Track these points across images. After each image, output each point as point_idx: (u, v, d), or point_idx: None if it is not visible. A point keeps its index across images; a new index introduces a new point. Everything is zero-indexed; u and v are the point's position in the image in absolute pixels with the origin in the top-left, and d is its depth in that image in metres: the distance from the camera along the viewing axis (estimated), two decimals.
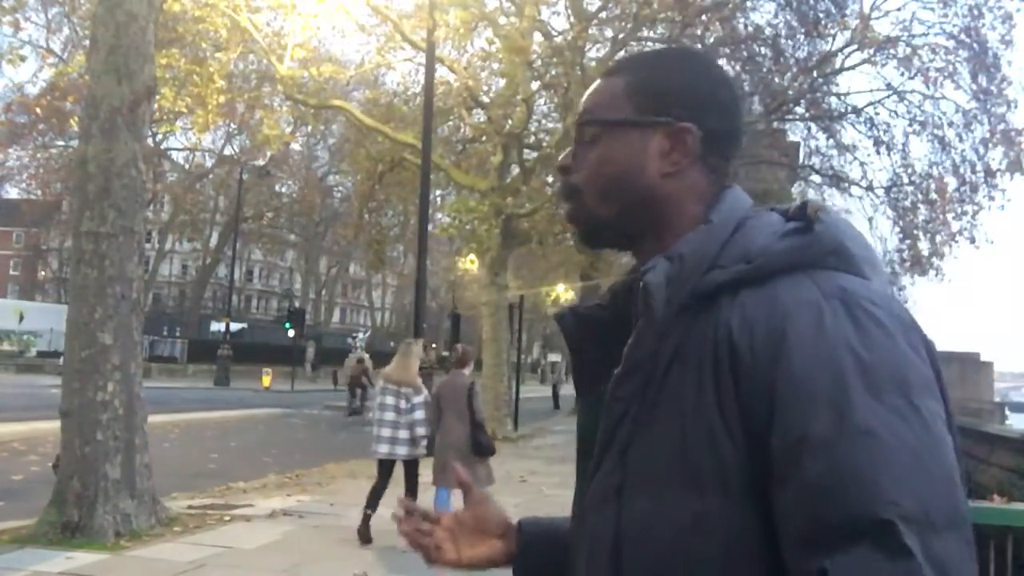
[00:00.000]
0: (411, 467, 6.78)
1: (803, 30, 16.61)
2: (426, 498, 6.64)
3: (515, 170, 17.30)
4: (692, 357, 0.84)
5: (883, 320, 0.80)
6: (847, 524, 0.73)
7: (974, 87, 17.21)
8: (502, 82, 16.96)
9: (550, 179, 18.80)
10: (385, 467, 6.81)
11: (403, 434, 6.64)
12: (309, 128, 27.72)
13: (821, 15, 16.62)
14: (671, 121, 0.94)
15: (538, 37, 16.53)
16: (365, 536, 6.52)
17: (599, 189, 0.96)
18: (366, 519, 6.61)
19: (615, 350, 0.97)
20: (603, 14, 16.31)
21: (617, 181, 0.95)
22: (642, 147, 0.95)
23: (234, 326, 42.45)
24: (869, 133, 18.46)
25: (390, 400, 6.71)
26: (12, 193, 47.10)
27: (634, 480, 0.85)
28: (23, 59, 13.43)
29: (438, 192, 20.91)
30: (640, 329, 0.88)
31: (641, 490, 0.84)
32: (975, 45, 16.91)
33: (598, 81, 1.02)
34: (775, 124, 18.52)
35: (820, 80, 17.78)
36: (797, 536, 0.75)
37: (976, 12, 16.88)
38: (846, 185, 19.64)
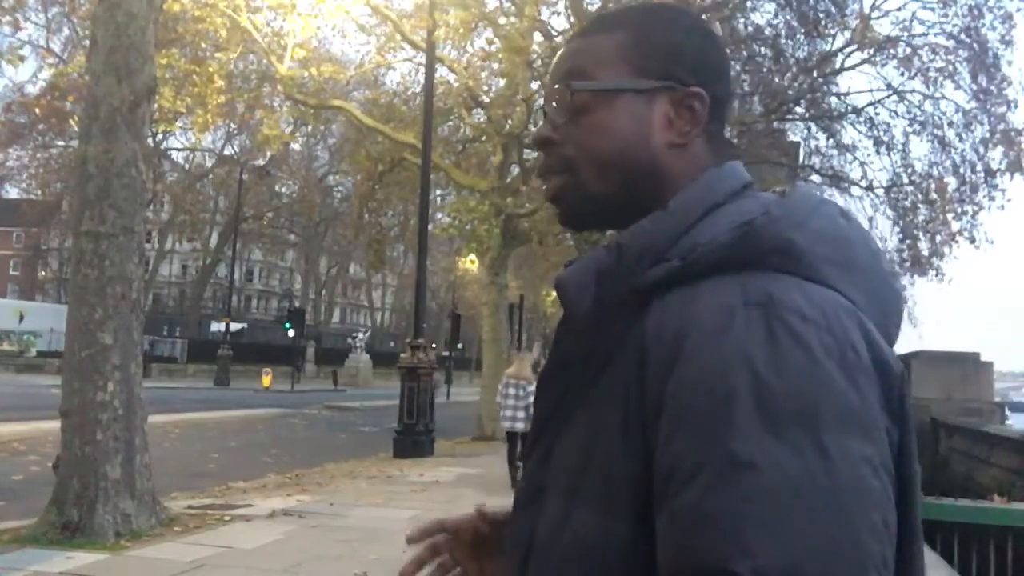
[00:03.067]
0: (524, 437, 7.52)
1: (803, 30, 16.61)
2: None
3: (515, 170, 17.30)
4: (616, 359, 0.75)
5: (808, 339, 0.67)
6: (695, 571, 0.63)
7: (974, 87, 17.21)
8: (502, 82, 16.96)
9: None
10: (512, 437, 9.67)
11: (521, 414, 9.34)
12: (309, 128, 27.76)
13: (821, 15, 16.62)
14: (675, 86, 0.84)
15: (538, 37, 16.53)
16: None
17: (597, 163, 0.84)
18: (514, 474, 9.06)
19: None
20: None
21: (619, 154, 0.84)
22: (646, 115, 0.84)
23: (234, 326, 42.50)
24: (869, 133, 18.48)
25: (511, 391, 9.59)
26: (12, 193, 47.23)
27: (553, 484, 0.78)
28: (22, 59, 13.41)
29: (438, 192, 20.93)
30: (558, 327, 0.82)
31: (559, 496, 0.77)
32: (975, 45, 16.90)
33: (579, 38, 0.89)
34: (775, 124, 18.51)
35: (820, 80, 17.78)
36: (664, 571, 0.67)
37: (976, 12, 16.88)
38: (846, 185, 19.63)
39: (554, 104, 0.87)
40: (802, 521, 0.61)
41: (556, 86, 0.87)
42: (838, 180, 19.69)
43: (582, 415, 0.77)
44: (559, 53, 0.90)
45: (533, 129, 17.13)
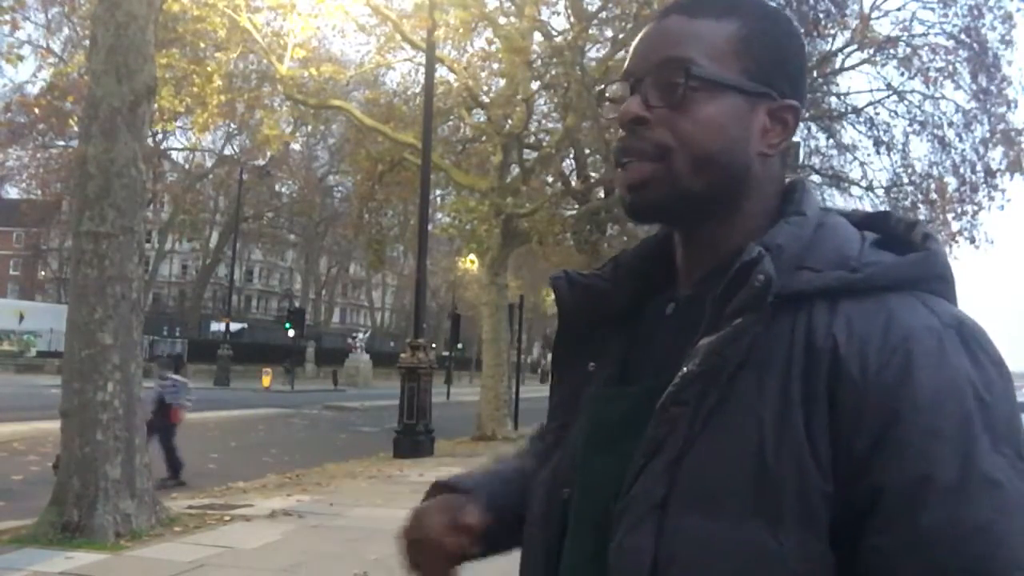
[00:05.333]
0: None
1: (803, 30, 16.61)
2: None
3: (515, 170, 17.30)
4: (773, 362, 0.74)
5: (999, 361, 0.73)
6: None
7: (974, 87, 17.21)
8: (502, 82, 16.95)
9: (550, 179, 18.82)
10: None
11: None
12: (309, 128, 27.76)
13: (821, 15, 16.61)
14: (775, 96, 0.82)
15: (538, 37, 16.53)
16: None
17: (698, 158, 0.81)
18: None
19: (606, 326, 0.89)
20: (603, 14, 16.31)
21: (720, 154, 0.81)
22: (748, 118, 0.82)
23: (234, 326, 42.53)
24: (869, 133, 18.49)
25: None
26: (12, 193, 47.21)
27: (686, 496, 0.73)
28: (21, 59, 13.41)
29: (438, 192, 20.90)
30: (742, 326, 0.75)
31: (695, 508, 0.72)
32: (975, 45, 16.91)
33: (684, 18, 0.83)
34: None
35: (820, 80, 17.77)
36: None
37: (976, 12, 16.89)
38: (846, 185, 19.65)
39: (654, 82, 0.82)
40: None
41: (663, 63, 0.82)
42: (838, 180, 19.70)
43: (730, 418, 0.73)
44: (656, 27, 0.85)
45: (533, 129, 17.14)
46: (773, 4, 0.90)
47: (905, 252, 0.79)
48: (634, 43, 0.87)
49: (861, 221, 0.84)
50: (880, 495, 0.69)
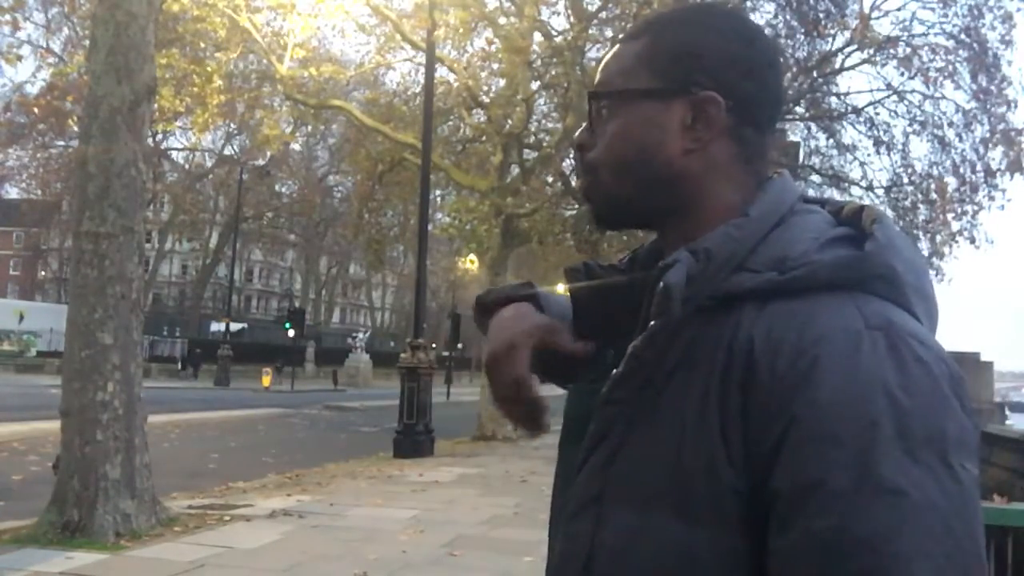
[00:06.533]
0: None
1: (803, 30, 16.61)
2: None
3: (515, 170, 17.29)
4: (701, 364, 0.75)
5: (931, 365, 0.70)
6: None
7: (974, 87, 17.22)
8: (502, 82, 16.95)
9: (550, 179, 18.80)
10: None
11: None
12: (309, 128, 27.78)
13: (821, 15, 16.62)
14: (691, 90, 0.83)
15: (538, 37, 16.52)
16: None
17: (615, 166, 0.86)
18: None
19: (622, 319, 0.87)
20: (603, 14, 16.30)
21: (633, 158, 0.85)
22: (661, 120, 0.84)
23: (234, 326, 42.51)
24: (869, 133, 18.50)
25: None
26: (12, 193, 47.19)
27: (617, 491, 0.76)
28: (20, 58, 13.43)
29: (438, 192, 20.92)
30: (654, 330, 0.77)
31: (624, 503, 0.75)
32: (975, 45, 16.91)
33: (611, 50, 0.91)
34: (775, 124, 18.52)
35: (820, 80, 17.79)
36: None
37: (976, 12, 16.90)
38: (846, 185, 19.64)
39: (589, 111, 0.90)
40: (948, 544, 0.65)
41: (595, 88, 0.90)
42: (838, 180, 19.70)
43: (659, 417, 0.76)
44: (603, 61, 0.93)
45: (533, 129, 17.18)
46: (720, 4, 0.94)
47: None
48: None
49: (846, 216, 0.83)
50: (776, 498, 0.69)
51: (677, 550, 0.72)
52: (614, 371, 0.79)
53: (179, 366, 38.50)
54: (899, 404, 0.67)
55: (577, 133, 0.91)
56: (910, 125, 18.09)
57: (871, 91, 18.85)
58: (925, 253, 18.70)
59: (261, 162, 38.77)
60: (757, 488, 0.70)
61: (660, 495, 0.73)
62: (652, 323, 0.76)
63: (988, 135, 17.65)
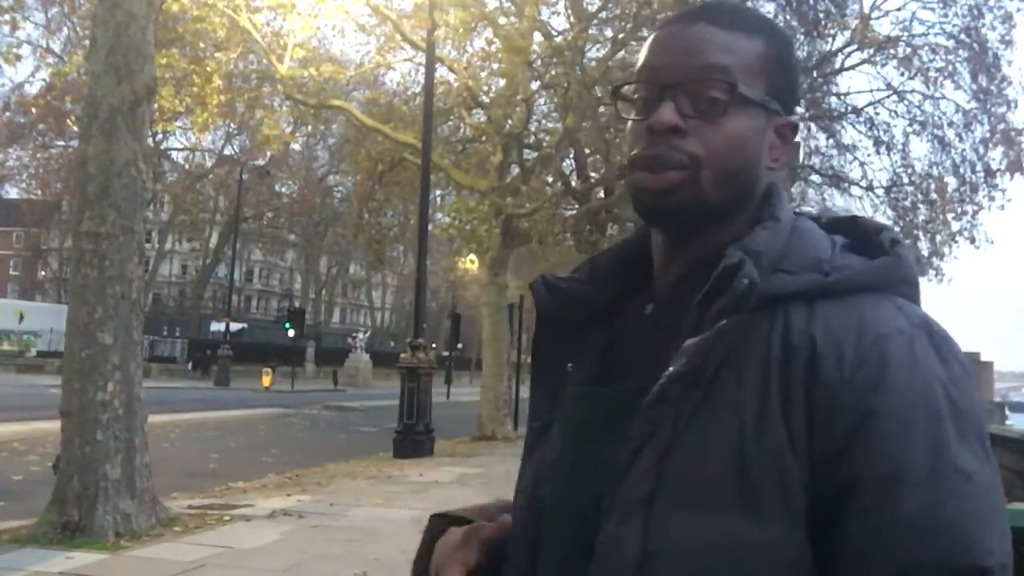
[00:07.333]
0: None
1: (803, 30, 16.61)
2: None
3: (515, 170, 17.30)
4: (751, 360, 0.77)
5: (961, 359, 0.78)
6: (945, 568, 0.69)
7: (974, 87, 17.23)
8: (502, 82, 16.95)
9: (550, 179, 18.82)
10: None
11: None
12: (309, 128, 27.75)
13: (821, 15, 16.63)
14: (783, 114, 0.86)
15: (538, 37, 16.52)
16: None
17: (723, 170, 0.83)
18: None
19: (584, 327, 0.91)
20: (603, 14, 16.31)
21: (743, 169, 0.84)
22: (764, 134, 0.85)
23: (234, 326, 42.50)
24: (869, 133, 18.50)
25: None
26: (12, 193, 47.21)
27: (673, 492, 0.75)
28: (19, 58, 13.41)
29: (438, 192, 20.92)
30: (724, 328, 0.77)
31: (680, 504, 0.75)
32: (975, 45, 16.92)
33: (716, 29, 0.84)
34: None
35: (820, 80, 17.79)
36: (881, 574, 0.71)
37: (976, 12, 16.91)
38: (846, 185, 19.65)
39: (689, 91, 0.83)
40: (1000, 519, 0.73)
41: (702, 72, 0.83)
42: (838, 180, 19.71)
43: (712, 416, 0.76)
44: (687, 33, 0.85)
45: (533, 129, 17.06)
46: (773, 6, 0.94)
47: (874, 255, 0.83)
48: (656, 45, 0.87)
49: (828, 225, 0.87)
50: (856, 486, 0.72)
51: (744, 547, 0.72)
52: (670, 370, 0.78)
53: (190, 367, 38.49)
54: (951, 396, 0.74)
55: (663, 111, 0.83)
56: (910, 125, 18.12)
57: (871, 91, 18.87)
58: (925, 253, 18.72)
59: (261, 162, 38.77)
60: (819, 479, 0.73)
61: (722, 493, 0.74)
62: (723, 321, 0.77)
63: (988, 135, 17.67)
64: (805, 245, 0.82)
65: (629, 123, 0.88)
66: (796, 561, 0.73)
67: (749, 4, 16.87)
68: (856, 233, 0.86)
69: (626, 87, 0.90)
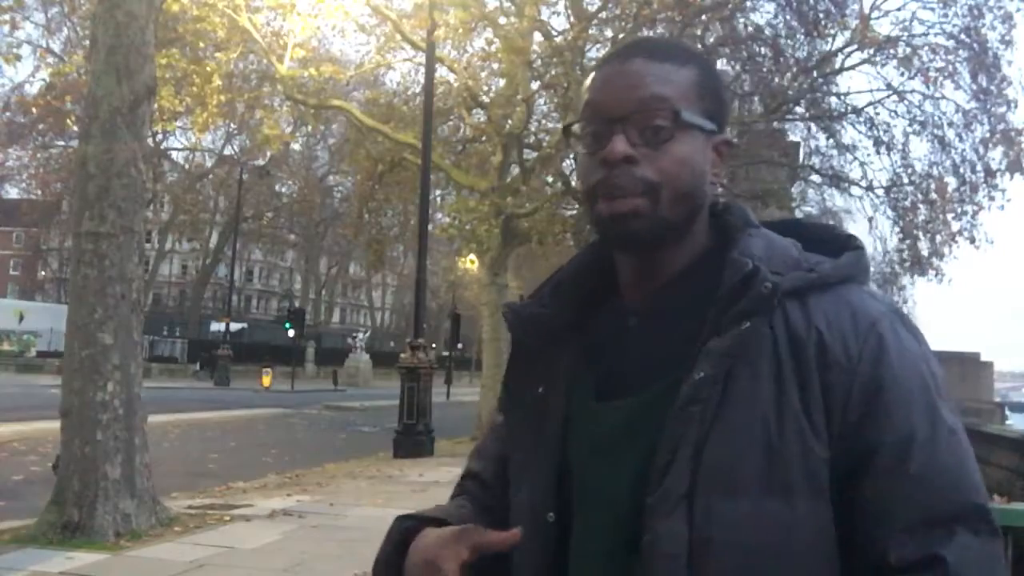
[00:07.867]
0: None
1: (803, 30, 16.59)
2: None
3: (515, 170, 17.28)
4: (761, 355, 0.85)
5: (922, 335, 0.91)
6: (954, 511, 0.82)
7: (974, 87, 17.19)
8: (502, 82, 16.94)
9: (550, 179, 18.79)
10: None
11: None
12: (309, 128, 27.71)
13: (821, 15, 16.59)
14: (719, 132, 0.96)
15: (538, 37, 16.51)
16: None
17: (677, 191, 0.90)
18: None
19: (551, 348, 0.97)
20: (603, 14, 16.29)
21: (693, 188, 0.92)
22: (706, 153, 0.94)
23: (234, 326, 42.51)
24: (869, 133, 18.43)
25: None
26: (12, 193, 47.22)
27: (710, 482, 0.83)
28: (18, 58, 13.41)
29: (438, 192, 20.89)
30: (749, 329, 0.86)
31: (718, 492, 0.82)
32: (975, 45, 16.89)
33: (651, 62, 0.93)
34: (775, 124, 18.50)
35: (820, 80, 17.76)
36: (902, 527, 0.82)
37: (976, 12, 16.86)
38: (846, 185, 19.62)
39: (635, 122, 0.91)
40: (976, 463, 0.87)
41: (646, 103, 0.90)
42: (838, 180, 19.67)
43: (734, 410, 0.84)
44: (625, 70, 0.93)
45: (533, 129, 17.03)
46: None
47: (835, 252, 0.93)
48: (599, 82, 0.95)
49: (776, 227, 0.97)
50: (874, 452, 0.84)
51: (780, 526, 0.82)
52: (700, 373, 0.85)
53: (198, 366, 38.43)
54: (931, 368, 0.88)
55: (616, 143, 0.90)
56: (910, 125, 18.05)
57: (871, 91, 18.69)
58: (925, 253, 18.69)
59: (261, 162, 38.72)
60: (837, 453, 0.84)
61: (755, 478, 0.82)
62: (747, 323, 0.86)
63: (988, 135, 17.63)
64: (778, 248, 0.92)
65: (580, 158, 0.95)
66: (824, 532, 0.83)
67: (748, 4, 16.93)
68: (806, 233, 0.96)
69: (575, 124, 0.97)
